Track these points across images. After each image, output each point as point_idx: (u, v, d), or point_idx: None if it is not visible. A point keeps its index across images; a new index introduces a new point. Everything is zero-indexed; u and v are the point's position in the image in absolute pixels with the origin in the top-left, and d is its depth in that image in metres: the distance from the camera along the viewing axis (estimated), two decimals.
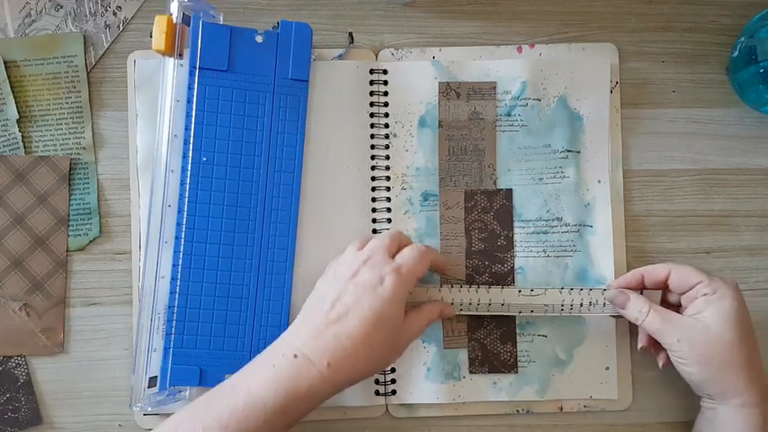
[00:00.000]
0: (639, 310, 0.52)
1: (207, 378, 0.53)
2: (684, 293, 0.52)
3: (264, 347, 0.50)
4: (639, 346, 0.55)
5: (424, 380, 0.56)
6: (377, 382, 0.56)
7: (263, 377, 0.44)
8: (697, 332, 0.49)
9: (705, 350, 0.49)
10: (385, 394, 0.56)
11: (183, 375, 0.53)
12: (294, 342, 0.46)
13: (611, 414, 0.57)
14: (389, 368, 0.56)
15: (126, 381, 0.56)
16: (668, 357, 0.52)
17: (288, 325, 0.54)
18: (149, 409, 0.52)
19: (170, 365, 0.53)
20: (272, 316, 0.54)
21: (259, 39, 0.55)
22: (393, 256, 0.50)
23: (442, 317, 0.54)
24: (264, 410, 0.43)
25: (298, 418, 0.45)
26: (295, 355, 0.45)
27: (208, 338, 0.54)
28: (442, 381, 0.56)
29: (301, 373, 0.44)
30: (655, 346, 0.54)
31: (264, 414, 0.43)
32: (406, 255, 0.50)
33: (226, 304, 0.54)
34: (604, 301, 0.54)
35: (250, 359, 0.53)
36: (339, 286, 0.48)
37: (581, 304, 0.54)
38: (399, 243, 0.52)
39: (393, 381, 0.56)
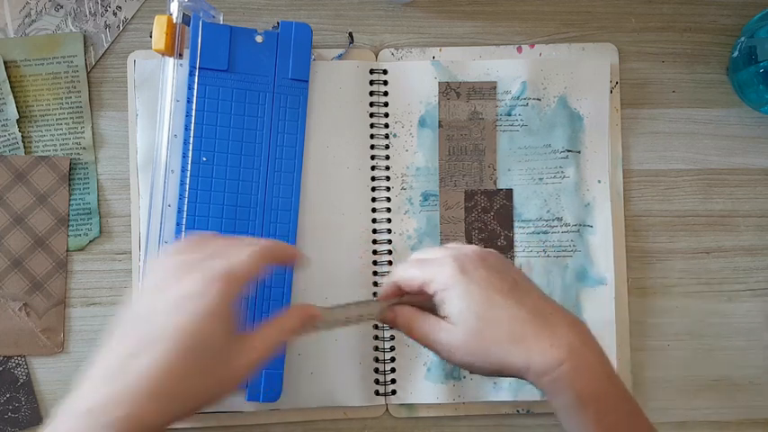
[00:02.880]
0: (403, 322, 0.44)
1: None
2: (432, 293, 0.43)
3: None
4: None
5: (424, 380, 0.56)
6: (377, 382, 0.56)
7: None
8: (452, 334, 0.42)
9: (469, 347, 0.42)
10: (385, 394, 0.56)
11: None
12: (86, 392, 0.36)
13: None
14: (389, 368, 0.56)
15: None
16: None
17: None
18: None
19: None
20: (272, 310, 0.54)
21: (259, 39, 0.55)
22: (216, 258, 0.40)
23: (305, 325, 0.43)
24: None
25: None
26: (86, 411, 0.35)
27: None
28: (442, 381, 0.56)
29: None
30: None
31: None
32: (230, 254, 0.40)
33: None
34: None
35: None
36: (146, 303, 0.39)
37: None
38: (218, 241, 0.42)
39: (393, 381, 0.56)
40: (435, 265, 0.43)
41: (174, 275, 0.39)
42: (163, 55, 0.53)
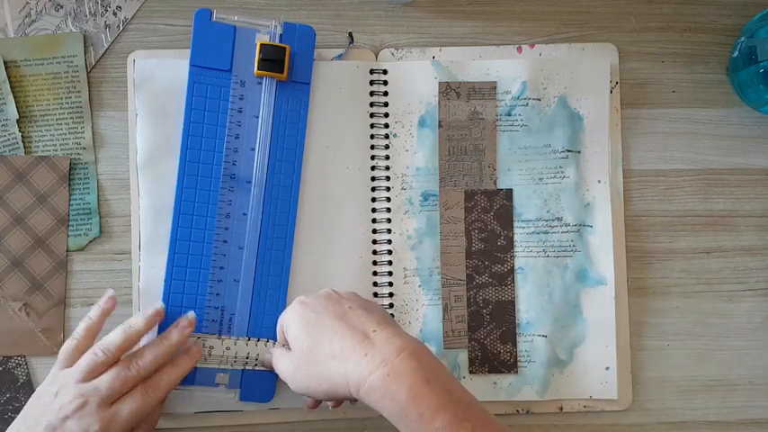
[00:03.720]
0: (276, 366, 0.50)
1: (199, 376, 0.53)
2: None
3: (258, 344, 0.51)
4: (304, 407, 0.53)
5: None
6: None
7: None
8: (296, 367, 0.47)
9: (303, 369, 0.46)
10: None
11: None
12: None
13: (610, 414, 0.57)
14: None
15: None
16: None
17: None
18: None
19: None
20: (268, 317, 0.54)
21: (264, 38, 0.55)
22: (114, 401, 0.46)
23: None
24: None
25: None
26: None
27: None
28: None
29: None
30: (316, 403, 0.53)
31: None
32: (125, 408, 0.46)
33: (221, 303, 0.54)
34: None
35: (247, 358, 0.53)
36: (51, 420, 0.45)
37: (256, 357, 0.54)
38: (127, 387, 0.47)
39: None
40: (288, 307, 0.50)
41: (76, 421, 0.45)
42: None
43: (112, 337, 0.48)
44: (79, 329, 0.49)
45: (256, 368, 0.54)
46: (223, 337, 0.53)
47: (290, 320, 0.48)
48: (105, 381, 0.46)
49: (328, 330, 0.46)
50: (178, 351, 0.50)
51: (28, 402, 0.48)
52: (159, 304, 0.52)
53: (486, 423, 0.42)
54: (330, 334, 0.46)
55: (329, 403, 0.51)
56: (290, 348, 0.49)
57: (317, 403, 0.53)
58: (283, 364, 0.48)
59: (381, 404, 0.43)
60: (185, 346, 0.51)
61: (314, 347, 0.46)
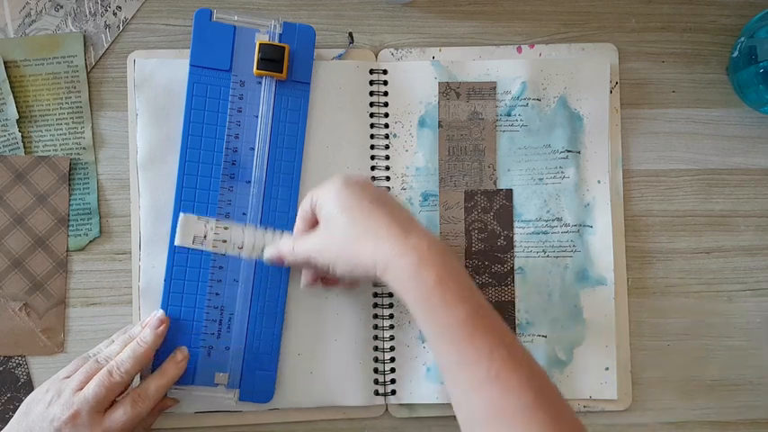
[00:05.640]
0: (285, 249, 0.51)
1: (199, 376, 0.53)
2: None
3: (259, 345, 0.53)
4: (302, 285, 0.54)
5: (424, 380, 0.56)
6: (376, 382, 0.56)
7: None
8: (324, 237, 0.49)
9: (335, 244, 0.47)
10: (385, 394, 0.56)
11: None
12: None
13: (611, 414, 0.57)
14: (389, 368, 0.56)
15: None
16: (315, 276, 0.54)
17: (282, 323, 0.55)
18: None
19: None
20: (268, 315, 0.54)
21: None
22: (105, 409, 0.47)
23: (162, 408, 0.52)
24: None
25: None
26: None
27: (198, 339, 0.54)
28: (442, 381, 0.56)
29: None
30: (315, 279, 0.54)
31: None
32: (116, 419, 0.47)
33: (221, 303, 0.54)
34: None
35: (244, 358, 0.53)
36: (44, 428, 0.46)
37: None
38: (113, 394, 0.48)
39: (393, 381, 0.56)
40: (325, 184, 0.50)
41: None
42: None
43: (124, 358, 0.49)
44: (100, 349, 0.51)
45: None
46: (234, 225, 0.54)
47: (328, 197, 0.49)
48: (91, 389, 0.47)
49: (366, 211, 0.47)
50: (162, 354, 0.52)
51: (23, 405, 0.48)
52: (160, 312, 0.53)
53: (504, 331, 0.43)
54: (367, 214, 0.47)
55: (348, 283, 0.54)
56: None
57: (315, 279, 0.54)
58: (308, 241, 0.49)
59: (406, 285, 0.44)
60: (170, 352, 0.52)
61: (348, 225, 0.47)
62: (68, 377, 0.48)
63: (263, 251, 0.53)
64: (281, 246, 0.51)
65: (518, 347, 0.43)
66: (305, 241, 0.50)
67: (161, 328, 0.51)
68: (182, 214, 0.53)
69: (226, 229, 0.54)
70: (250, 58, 0.55)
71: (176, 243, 0.53)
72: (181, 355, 0.52)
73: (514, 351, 0.42)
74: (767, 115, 0.60)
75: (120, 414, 0.47)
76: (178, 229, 0.53)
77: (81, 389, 0.47)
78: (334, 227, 0.48)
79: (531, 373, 0.42)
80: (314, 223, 0.51)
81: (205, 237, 0.54)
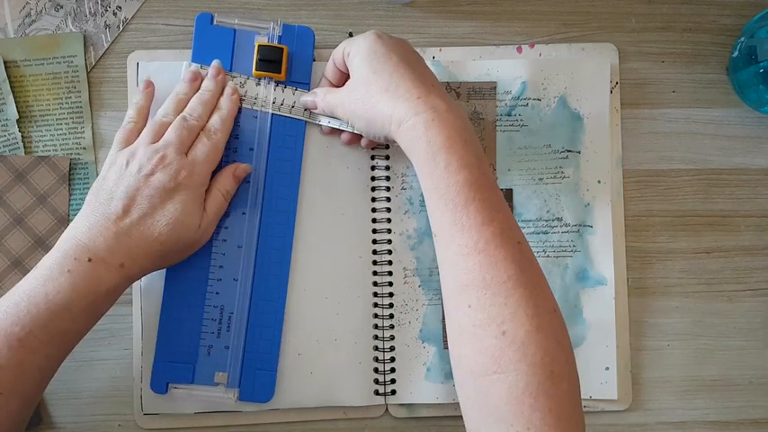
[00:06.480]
0: (318, 98, 0.54)
1: (198, 375, 0.53)
2: None
3: (259, 345, 0.53)
4: (342, 142, 0.56)
5: (424, 380, 0.56)
6: (376, 381, 0.56)
7: (59, 283, 0.44)
8: (348, 91, 0.51)
9: (358, 94, 0.49)
10: (385, 394, 0.56)
11: (176, 373, 0.53)
12: (86, 243, 0.46)
13: (611, 414, 0.57)
14: (389, 368, 0.56)
15: (125, 381, 0.56)
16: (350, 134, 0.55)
17: (282, 323, 0.54)
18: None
19: (165, 363, 0.53)
20: (268, 315, 0.54)
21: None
22: (187, 151, 0.50)
23: (237, 181, 0.53)
24: (66, 314, 0.44)
25: (101, 313, 0.48)
26: (89, 259, 0.45)
27: (198, 338, 0.54)
28: (442, 381, 0.56)
29: (98, 276, 0.45)
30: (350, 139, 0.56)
31: (67, 316, 0.45)
32: (199, 152, 0.50)
33: (221, 302, 0.54)
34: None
35: (244, 359, 0.53)
36: (131, 183, 0.48)
37: (291, 105, 0.56)
38: (192, 135, 0.51)
39: (393, 381, 0.56)
40: (359, 36, 0.51)
41: (163, 171, 0.48)
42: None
43: (194, 105, 0.52)
44: (130, 114, 0.53)
45: (291, 114, 0.55)
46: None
47: (360, 49, 0.50)
48: (173, 133, 0.50)
49: (393, 66, 0.48)
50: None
51: (90, 194, 0.49)
52: (216, 61, 0.54)
53: (499, 200, 0.44)
54: (393, 70, 0.48)
55: (363, 142, 0.55)
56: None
57: (353, 138, 0.56)
58: (336, 94, 0.52)
59: (415, 144, 0.46)
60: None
61: (373, 78, 0.48)
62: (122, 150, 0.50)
63: (288, 106, 0.55)
64: (317, 92, 0.54)
65: (512, 222, 0.44)
66: (333, 93, 0.52)
67: (220, 76, 0.54)
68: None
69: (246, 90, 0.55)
70: (249, 60, 0.55)
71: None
72: (230, 89, 0.54)
73: (507, 225, 0.43)
74: (767, 115, 0.60)
75: (200, 147, 0.50)
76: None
77: (154, 142, 0.49)
78: (358, 79, 0.49)
79: (520, 250, 0.43)
80: (344, 70, 0.53)
81: None
